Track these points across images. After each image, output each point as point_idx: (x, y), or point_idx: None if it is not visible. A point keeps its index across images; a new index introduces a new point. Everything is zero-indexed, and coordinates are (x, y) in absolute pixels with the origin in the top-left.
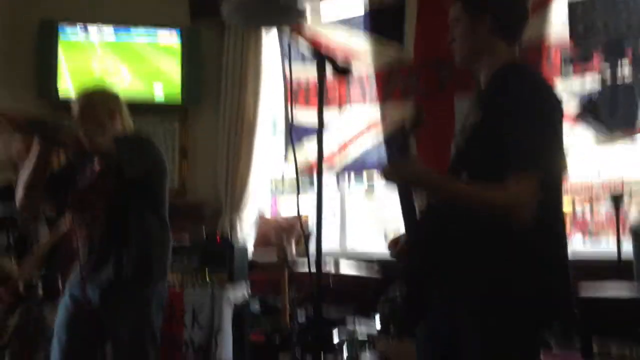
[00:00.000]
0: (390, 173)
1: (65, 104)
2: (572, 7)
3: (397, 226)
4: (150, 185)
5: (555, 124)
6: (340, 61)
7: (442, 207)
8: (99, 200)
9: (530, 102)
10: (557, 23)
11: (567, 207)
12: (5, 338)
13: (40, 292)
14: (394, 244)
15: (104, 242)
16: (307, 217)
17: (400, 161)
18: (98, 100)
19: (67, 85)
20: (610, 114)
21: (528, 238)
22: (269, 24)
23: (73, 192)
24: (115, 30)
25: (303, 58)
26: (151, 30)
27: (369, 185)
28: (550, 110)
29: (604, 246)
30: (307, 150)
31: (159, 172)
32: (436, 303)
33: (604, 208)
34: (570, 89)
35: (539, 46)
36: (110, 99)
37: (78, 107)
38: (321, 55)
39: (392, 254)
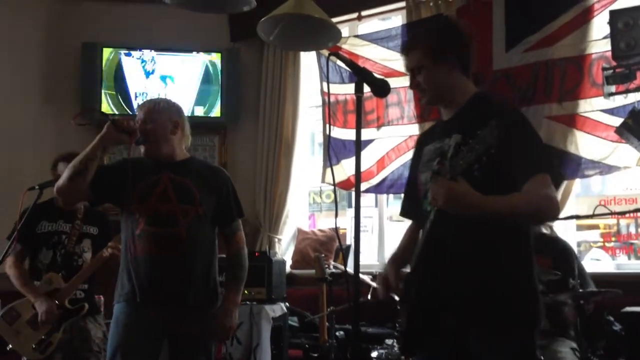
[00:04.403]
0: (440, 195)
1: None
2: (613, 24)
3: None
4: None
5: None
6: (378, 81)
7: (444, 235)
8: (184, 220)
9: (524, 120)
10: (598, 39)
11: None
12: (49, 351)
13: (86, 306)
14: (384, 282)
15: (182, 259)
16: (344, 230)
17: (450, 183)
18: (164, 108)
19: (109, 106)
20: None
21: (524, 250)
22: (308, 48)
23: (140, 199)
24: (157, 51)
25: (341, 78)
26: (193, 50)
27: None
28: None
29: None
30: (345, 168)
31: None
32: (442, 330)
33: None
34: (613, 104)
35: (579, 63)
36: (175, 111)
37: (144, 111)
38: (360, 76)
39: (382, 294)
